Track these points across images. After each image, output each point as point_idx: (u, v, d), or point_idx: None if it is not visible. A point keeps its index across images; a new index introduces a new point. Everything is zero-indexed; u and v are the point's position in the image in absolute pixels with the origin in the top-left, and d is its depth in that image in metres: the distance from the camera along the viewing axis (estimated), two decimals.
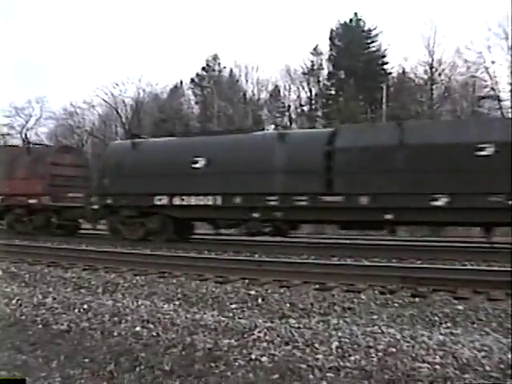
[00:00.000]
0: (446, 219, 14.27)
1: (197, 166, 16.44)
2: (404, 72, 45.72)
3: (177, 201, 16.84)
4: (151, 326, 5.79)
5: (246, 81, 52.14)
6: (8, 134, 49.21)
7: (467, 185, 13.20)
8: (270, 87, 52.29)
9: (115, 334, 5.57)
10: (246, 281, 8.90)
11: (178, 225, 17.57)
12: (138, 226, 17.59)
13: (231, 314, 6.34)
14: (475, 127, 14.78)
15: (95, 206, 18.76)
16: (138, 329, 5.69)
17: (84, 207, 19.76)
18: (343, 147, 14.77)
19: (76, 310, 6.64)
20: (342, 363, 4.45)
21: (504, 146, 12.98)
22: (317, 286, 8.27)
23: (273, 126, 44.79)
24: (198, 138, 18.54)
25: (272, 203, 15.35)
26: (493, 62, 37.15)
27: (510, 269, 8.85)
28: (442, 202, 13.57)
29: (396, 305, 6.92)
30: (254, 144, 16.43)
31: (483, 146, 13.21)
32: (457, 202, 13.41)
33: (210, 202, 16.28)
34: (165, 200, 16.98)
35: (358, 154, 14.44)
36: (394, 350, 4.73)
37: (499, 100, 37.37)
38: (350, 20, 49.40)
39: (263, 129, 17.89)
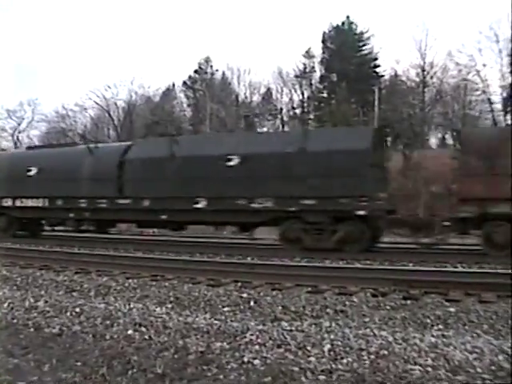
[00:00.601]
0: (205, 219, 16.95)
1: (31, 173, 19.81)
2: (396, 75, 46.02)
3: (18, 203, 20.14)
4: (143, 329, 5.78)
5: (239, 83, 52.38)
6: None
7: (219, 190, 15.68)
8: (263, 90, 52.53)
9: (107, 337, 5.55)
10: (239, 283, 8.93)
11: (25, 223, 20.81)
12: None
13: (223, 317, 6.34)
14: (226, 141, 17.69)
15: None
16: (130, 332, 5.68)
17: None
18: (131, 158, 17.77)
19: (68, 314, 6.62)
20: (334, 366, 4.45)
21: (246, 157, 15.49)
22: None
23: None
24: (34, 151, 23.24)
25: (82, 205, 18.52)
26: (484, 65, 37.56)
27: None
28: (202, 204, 16.09)
29: (388, 307, 6.95)
30: (70, 156, 19.97)
31: (231, 157, 15.69)
32: (213, 204, 15.93)
33: (40, 204, 19.56)
34: (9, 202, 20.32)
35: (141, 164, 17.35)
36: (385, 352, 4.74)
37: (490, 103, 37.59)
38: (343, 23, 49.64)
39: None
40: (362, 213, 14.14)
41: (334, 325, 5.82)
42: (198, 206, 16.06)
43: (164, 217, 16.74)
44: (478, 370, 4.27)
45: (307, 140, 15.29)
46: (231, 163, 15.61)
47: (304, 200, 14.62)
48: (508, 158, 12.85)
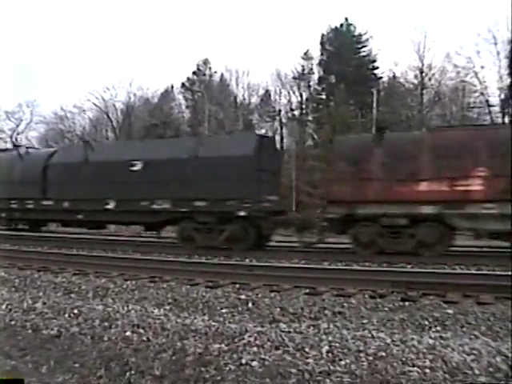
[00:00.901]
0: (115, 219, 18.56)
1: None
2: (394, 77, 45.88)
3: None
4: (141, 330, 5.78)
5: (237, 85, 52.13)
6: None
7: (126, 192, 17.01)
8: (261, 92, 52.33)
9: (105, 338, 5.55)
10: (237, 285, 8.94)
11: None
12: None
13: (222, 319, 6.34)
14: (131, 148, 19.36)
15: None
16: (128, 333, 5.67)
17: None
18: (53, 163, 19.35)
19: (66, 315, 6.61)
20: (332, 367, 4.45)
21: (148, 163, 16.80)
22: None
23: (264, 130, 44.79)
24: None
25: (13, 206, 20.09)
26: (482, 67, 37.57)
27: None
28: (111, 205, 17.44)
29: (386, 309, 6.95)
30: (3, 161, 21.41)
31: (135, 162, 17.03)
32: (120, 205, 17.29)
33: None
34: None
35: (61, 169, 18.86)
36: (384, 354, 4.75)
37: (489, 105, 37.61)
38: (341, 25, 49.51)
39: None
40: (242, 214, 15.20)
41: (332, 326, 5.82)
42: (108, 206, 17.47)
43: (81, 216, 18.23)
44: (476, 371, 4.27)
45: (199, 146, 16.55)
46: (135, 168, 17.01)
47: (196, 202, 15.86)
48: (370, 164, 14.01)
